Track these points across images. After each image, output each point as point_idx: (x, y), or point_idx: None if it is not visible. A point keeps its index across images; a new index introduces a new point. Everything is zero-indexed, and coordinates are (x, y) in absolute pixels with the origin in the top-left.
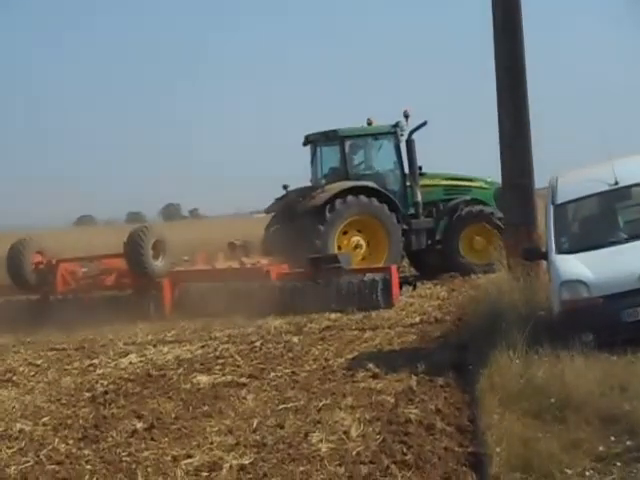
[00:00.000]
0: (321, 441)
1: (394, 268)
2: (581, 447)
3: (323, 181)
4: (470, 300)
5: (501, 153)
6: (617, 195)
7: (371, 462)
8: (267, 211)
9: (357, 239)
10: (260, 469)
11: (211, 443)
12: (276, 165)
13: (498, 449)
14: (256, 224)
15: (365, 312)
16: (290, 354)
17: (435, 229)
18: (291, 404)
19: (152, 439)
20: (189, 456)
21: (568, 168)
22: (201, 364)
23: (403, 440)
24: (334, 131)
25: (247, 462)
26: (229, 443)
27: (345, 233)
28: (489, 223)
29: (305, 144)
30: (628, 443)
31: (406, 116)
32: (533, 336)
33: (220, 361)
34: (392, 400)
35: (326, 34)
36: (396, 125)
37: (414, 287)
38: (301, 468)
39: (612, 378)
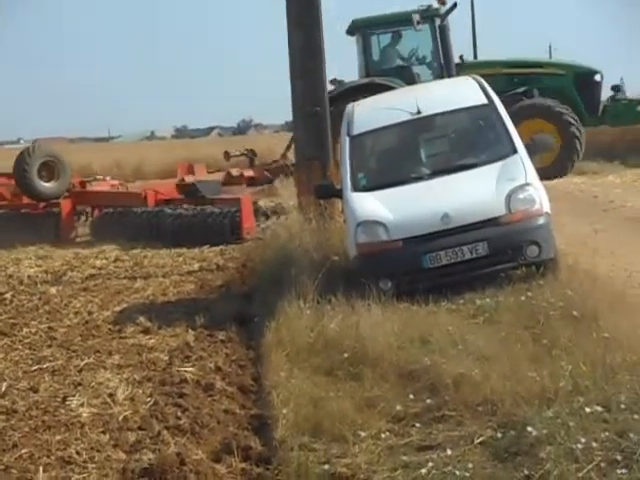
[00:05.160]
0: (82, 405)
1: (247, 197)
2: (377, 407)
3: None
4: (256, 245)
5: (291, 77)
6: (419, 125)
7: (140, 428)
8: None
9: None
10: (9, 439)
11: None
12: None
13: (285, 410)
14: None
15: (136, 258)
16: (47, 307)
17: None
18: (47, 364)
19: None
20: None
21: None
22: None
23: (177, 403)
24: (353, 21)
25: None
26: None
27: None
28: (547, 118)
29: (349, 33)
30: (428, 401)
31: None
32: (326, 284)
33: None
34: (165, 358)
35: None
36: (427, 10)
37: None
38: (58, 437)
39: (412, 330)
